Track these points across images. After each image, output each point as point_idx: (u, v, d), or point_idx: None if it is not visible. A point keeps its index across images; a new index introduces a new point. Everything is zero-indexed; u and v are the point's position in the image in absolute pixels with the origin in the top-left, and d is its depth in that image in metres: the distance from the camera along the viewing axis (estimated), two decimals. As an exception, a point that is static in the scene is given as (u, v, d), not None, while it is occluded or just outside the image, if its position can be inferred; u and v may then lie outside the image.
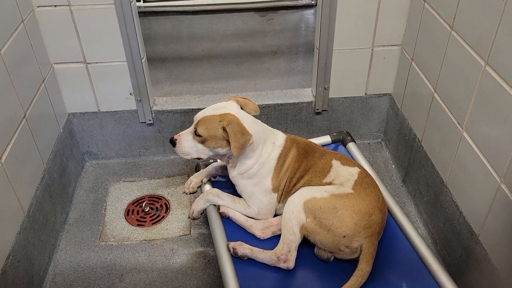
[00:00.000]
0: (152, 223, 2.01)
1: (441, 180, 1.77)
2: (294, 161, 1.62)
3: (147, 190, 2.18)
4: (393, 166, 2.26)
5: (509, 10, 1.31)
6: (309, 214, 1.44)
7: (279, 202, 1.64)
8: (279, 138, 1.64)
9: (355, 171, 1.56)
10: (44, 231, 1.81)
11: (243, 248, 1.52)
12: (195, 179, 1.81)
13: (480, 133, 1.50)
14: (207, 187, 1.79)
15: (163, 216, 2.03)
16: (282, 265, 1.50)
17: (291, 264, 1.49)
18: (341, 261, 1.52)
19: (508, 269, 1.38)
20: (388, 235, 1.67)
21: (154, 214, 2.05)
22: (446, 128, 1.71)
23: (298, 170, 1.61)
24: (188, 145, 1.58)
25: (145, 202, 2.10)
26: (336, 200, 1.44)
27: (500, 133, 1.38)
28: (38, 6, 1.88)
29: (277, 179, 1.61)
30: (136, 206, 2.09)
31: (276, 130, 1.69)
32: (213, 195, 1.68)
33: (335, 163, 1.59)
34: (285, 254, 1.49)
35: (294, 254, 1.49)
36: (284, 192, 1.62)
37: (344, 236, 1.42)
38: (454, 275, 1.62)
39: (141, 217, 2.04)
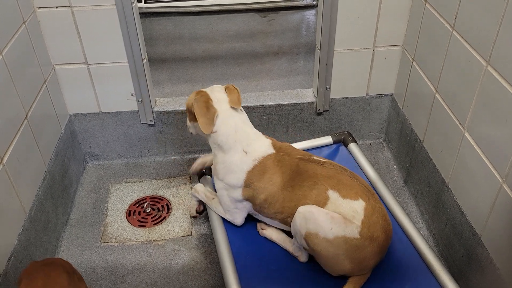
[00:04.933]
0: (154, 224, 2.01)
1: (442, 180, 1.77)
2: (275, 188, 1.47)
3: (148, 190, 2.18)
4: (395, 167, 2.26)
5: (510, 10, 1.31)
6: (310, 245, 1.41)
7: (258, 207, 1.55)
8: (256, 149, 1.50)
9: (360, 207, 1.39)
10: (46, 232, 1.81)
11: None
12: (199, 160, 1.88)
13: (482, 133, 1.50)
14: (205, 179, 1.86)
15: (165, 217, 2.03)
16: (295, 256, 1.57)
17: (302, 257, 1.55)
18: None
19: (510, 269, 1.37)
20: (389, 236, 1.67)
21: (156, 215, 2.05)
22: (448, 128, 1.71)
23: (279, 201, 1.48)
24: (187, 119, 1.67)
25: (146, 203, 2.10)
26: (339, 246, 1.36)
27: (501, 133, 1.38)
28: (40, 7, 1.89)
29: (251, 192, 1.52)
30: (137, 206, 2.10)
31: (263, 137, 1.55)
32: (194, 190, 1.75)
33: (333, 195, 1.41)
34: (294, 251, 1.56)
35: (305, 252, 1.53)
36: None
37: (334, 269, 1.44)
38: (456, 276, 1.61)
39: (142, 217, 2.04)
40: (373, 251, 1.38)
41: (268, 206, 1.52)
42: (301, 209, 1.41)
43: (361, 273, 1.43)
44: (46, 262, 1.00)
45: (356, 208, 1.38)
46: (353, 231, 1.36)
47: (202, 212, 1.81)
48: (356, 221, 1.37)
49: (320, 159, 1.53)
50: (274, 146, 1.53)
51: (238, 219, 1.63)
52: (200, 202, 1.79)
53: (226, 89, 1.57)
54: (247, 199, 1.54)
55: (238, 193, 1.53)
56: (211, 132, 1.51)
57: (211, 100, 1.52)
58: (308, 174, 1.46)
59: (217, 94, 1.55)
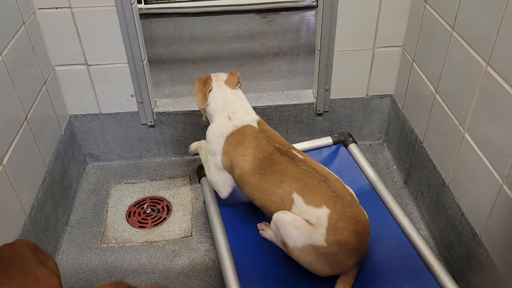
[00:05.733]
0: (154, 225, 2.00)
1: (442, 181, 1.77)
2: (246, 167, 1.50)
3: (148, 191, 2.18)
4: (395, 167, 2.25)
5: (510, 11, 1.31)
6: (287, 251, 1.44)
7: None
8: (240, 117, 1.57)
9: (323, 214, 1.36)
10: (46, 233, 1.81)
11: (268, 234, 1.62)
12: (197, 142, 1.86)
13: (482, 134, 1.50)
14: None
15: (165, 218, 2.03)
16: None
17: None
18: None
19: (510, 270, 1.37)
20: (390, 236, 1.66)
21: (156, 216, 2.05)
22: (448, 129, 1.71)
23: (249, 185, 1.51)
24: None
25: (146, 204, 2.10)
26: (309, 253, 1.37)
27: (501, 134, 1.38)
28: (39, 8, 1.89)
29: (229, 161, 1.55)
30: (137, 207, 2.09)
31: (253, 114, 1.62)
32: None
33: (297, 199, 1.40)
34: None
35: None
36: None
37: (316, 272, 1.44)
38: (456, 277, 1.61)
39: (142, 218, 2.04)
40: (346, 254, 1.38)
41: (242, 186, 1.55)
42: (274, 217, 1.43)
43: (345, 272, 1.43)
44: (10, 243, 1.02)
45: (319, 215, 1.36)
46: (318, 239, 1.35)
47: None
48: (321, 228, 1.35)
49: (298, 154, 1.50)
50: (259, 124, 1.57)
51: (223, 193, 1.65)
52: None
53: (228, 73, 1.70)
54: (226, 169, 1.58)
55: (219, 159, 1.58)
56: (206, 105, 1.65)
57: (211, 80, 1.67)
58: (278, 168, 1.45)
59: (218, 76, 1.69)
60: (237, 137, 1.54)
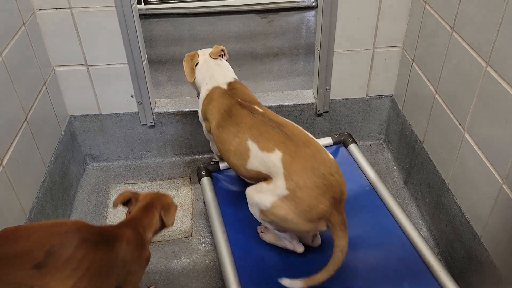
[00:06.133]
0: (154, 226, 2.00)
1: (443, 181, 1.77)
2: (213, 123, 1.62)
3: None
4: (395, 168, 2.25)
5: (510, 11, 1.31)
6: (268, 222, 1.44)
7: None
8: (213, 81, 1.71)
9: (276, 159, 1.38)
10: (46, 234, 1.81)
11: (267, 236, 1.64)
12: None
13: (482, 134, 1.50)
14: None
15: (165, 218, 2.03)
16: (293, 250, 1.59)
17: (298, 248, 1.56)
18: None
19: (510, 271, 1.37)
20: (390, 237, 1.67)
21: (156, 217, 2.04)
22: (448, 129, 1.71)
23: (216, 140, 1.61)
24: None
25: (146, 205, 2.10)
26: (281, 209, 1.36)
27: (501, 134, 1.38)
28: (39, 9, 1.89)
29: (208, 123, 1.69)
30: (137, 208, 2.09)
31: (230, 77, 1.73)
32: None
33: (252, 146, 1.44)
34: (288, 245, 1.58)
35: (295, 242, 1.55)
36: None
37: (302, 231, 1.43)
38: (456, 277, 1.61)
39: (142, 219, 2.04)
40: (313, 196, 1.33)
41: (215, 142, 1.64)
42: (246, 195, 1.47)
43: (329, 221, 1.37)
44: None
45: (273, 161, 1.39)
46: (281, 189, 1.36)
47: None
48: (279, 176, 1.37)
49: (258, 108, 1.56)
50: (229, 84, 1.69)
51: (215, 152, 1.92)
52: None
53: (214, 46, 1.82)
54: (207, 129, 1.72)
55: (203, 123, 1.76)
56: (194, 80, 1.78)
57: (198, 55, 1.80)
58: (235, 120, 1.53)
59: (205, 51, 1.81)
60: (208, 98, 1.68)
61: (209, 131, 1.70)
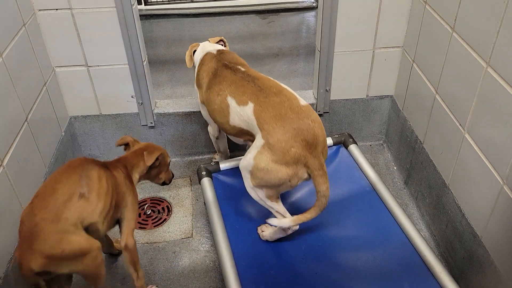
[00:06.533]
0: (154, 226, 2.00)
1: (443, 181, 1.77)
2: (204, 87, 1.72)
3: (148, 192, 2.18)
4: (395, 168, 2.25)
5: (510, 12, 1.31)
6: (257, 185, 1.49)
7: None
8: (205, 50, 1.81)
9: (250, 111, 1.48)
10: (46, 234, 1.81)
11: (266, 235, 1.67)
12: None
13: (482, 134, 1.49)
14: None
15: (165, 219, 2.03)
16: (289, 231, 1.60)
17: (288, 221, 1.52)
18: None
19: (511, 271, 1.37)
20: (390, 237, 1.67)
21: (156, 217, 2.05)
22: (448, 129, 1.71)
23: (207, 104, 1.70)
24: None
25: (147, 205, 2.10)
26: (260, 161, 1.43)
27: (502, 135, 1.38)
28: (40, 10, 1.89)
29: (201, 94, 1.76)
30: (138, 209, 2.09)
31: (220, 47, 1.85)
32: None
33: (231, 102, 1.55)
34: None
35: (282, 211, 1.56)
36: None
37: (285, 180, 1.43)
38: (456, 278, 1.61)
39: (143, 219, 2.04)
40: (284, 140, 1.38)
41: (207, 109, 1.73)
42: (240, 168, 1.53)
43: (301, 165, 1.41)
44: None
45: (248, 113, 1.49)
46: (259, 141, 1.45)
47: None
48: (255, 128, 1.46)
49: (241, 67, 1.64)
50: (219, 51, 1.80)
51: (211, 127, 1.95)
52: None
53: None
54: (201, 99, 1.80)
55: (200, 97, 1.82)
56: (193, 66, 1.87)
57: (198, 45, 1.90)
58: (219, 79, 1.64)
59: (206, 41, 1.92)
60: (201, 64, 1.79)
61: (203, 102, 1.79)
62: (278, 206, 1.54)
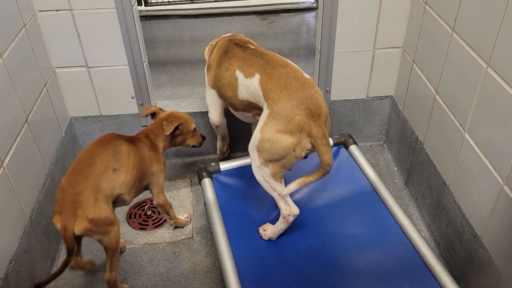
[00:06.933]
0: (154, 227, 2.00)
1: (443, 182, 1.77)
2: (214, 64, 1.76)
3: (149, 193, 2.17)
4: (395, 169, 2.25)
5: (510, 12, 1.31)
6: (265, 158, 1.49)
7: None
8: (218, 38, 1.87)
9: (256, 82, 1.53)
10: (47, 235, 1.81)
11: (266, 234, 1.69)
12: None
13: (482, 135, 1.50)
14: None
15: (165, 220, 2.03)
16: (291, 218, 1.59)
17: (293, 209, 1.57)
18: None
19: (511, 271, 1.37)
20: (390, 237, 1.67)
21: (156, 218, 2.05)
22: (448, 130, 1.71)
23: (217, 81, 1.74)
24: None
25: (147, 206, 2.10)
26: (265, 132, 1.46)
27: (502, 135, 1.38)
28: (40, 11, 1.89)
29: (211, 76, 1.79)
30: (138, 209, 2.09)
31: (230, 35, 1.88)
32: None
33: (239, 75, 1.60)
34: (284, 209, 1.58)
35: (289, 202, 1.58)
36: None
37: (289, 150, 1.45)
38: (457, 278, 1.61)
39: (143, 220, 2.04)
40: (285, 108, 1.42)
41: (218, 90, 1.77)
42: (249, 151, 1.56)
43: (305, 135, 1.44)
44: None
45: (254, 85, 1.53)
46: (265, 111, 1.48)
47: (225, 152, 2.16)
48: (262, 100, 1.50)
49: (250, 45, 1.69)
50: (232, 35, 1.84)
51: (213, 114, 1.95)
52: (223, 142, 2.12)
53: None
54: (209, 84, 1.84)
55: (208, 80, 1.85)
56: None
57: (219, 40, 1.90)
58: (229, 56, 1.68)
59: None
60: (214, 47, 1.86)
61: (211, 85, 1.83)
62: (281, 187, 1.54)
